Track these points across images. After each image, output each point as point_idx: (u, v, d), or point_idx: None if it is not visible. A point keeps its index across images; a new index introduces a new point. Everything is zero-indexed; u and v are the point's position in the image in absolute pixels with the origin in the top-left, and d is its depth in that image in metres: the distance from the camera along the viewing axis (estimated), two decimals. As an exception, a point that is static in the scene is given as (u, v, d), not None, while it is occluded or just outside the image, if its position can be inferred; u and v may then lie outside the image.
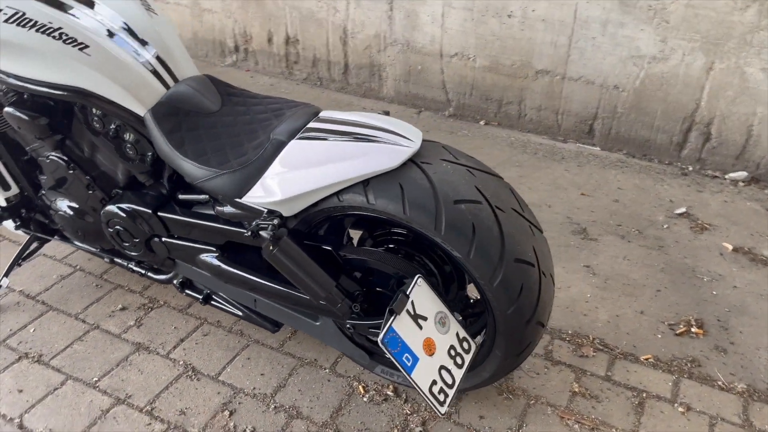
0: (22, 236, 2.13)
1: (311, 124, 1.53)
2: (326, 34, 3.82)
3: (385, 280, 1.60)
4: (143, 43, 1.69)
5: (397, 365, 1.29)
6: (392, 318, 1.33)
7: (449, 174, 1.44)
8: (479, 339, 1.64)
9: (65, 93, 1.62)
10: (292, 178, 1.47)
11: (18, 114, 1.71)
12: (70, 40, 1.58)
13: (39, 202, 2.08)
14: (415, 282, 1.39)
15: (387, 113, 1.71)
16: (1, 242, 2.45)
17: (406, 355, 1.31)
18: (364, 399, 1.81)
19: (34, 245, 2.15)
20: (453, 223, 1.38)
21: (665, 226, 2.65)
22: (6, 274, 2.10)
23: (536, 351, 1.99)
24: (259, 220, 1.48)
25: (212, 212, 1.71)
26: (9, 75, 1.63)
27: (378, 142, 1.45)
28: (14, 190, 2.07)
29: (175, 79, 1.73)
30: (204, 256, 1.77)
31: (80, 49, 1.59)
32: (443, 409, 1.34)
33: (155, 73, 1.68)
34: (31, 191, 2.07)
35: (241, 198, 1.54)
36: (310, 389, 1.83)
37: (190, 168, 1.58)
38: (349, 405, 1.79)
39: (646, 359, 1.98)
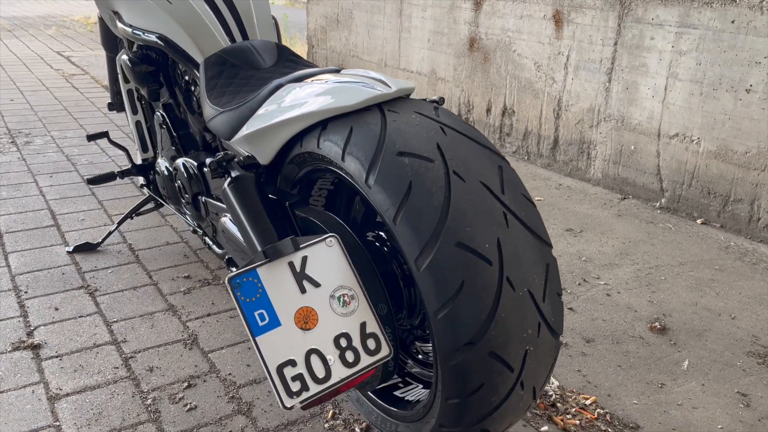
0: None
1: (319, 75, 1.38)
2: (541, 105, 3.57)
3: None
4: (230, 5, 1.76)
5: (241, 317, 0.99)
6: (261, 261, 1.04)
7: (411, 126, 1.13)
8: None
9: (150, 38, 1.76)
10: (265, 115, 1.32)
11: (127, 61, 1.92)
12: (161, -11, 1.74)
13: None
14: (323, 239, 1.08)
15: (442, 100, 1.46)
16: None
17: (261, 311, 1.00)
18: (326, 425, 1.45)
19: (150, 205, 2.34)
20: (386, 175, 1.06)
21: None
22: (119, 224, 2.31)
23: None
24: (220, 156, 1.35)
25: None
26: (125, 24, 1.86)
27: (355, 83, 1.22)
28: (150, 153, 2.31)
29: (245, 37, 1.75)
30: (223, 218, 1.68)
31: (166, -2, 1.73)
32: (289, 403, 0.97)
33: (227, 30, 1.72)
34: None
35: (232, 138, 1.44)
36: (280, 395, 1.55)
37: (206, 107, 1.55)
38: (305, 424, 1.45)
39: None
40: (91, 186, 2.62)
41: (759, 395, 1.64)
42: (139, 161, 2.31)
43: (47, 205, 2.68)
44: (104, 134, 2.36)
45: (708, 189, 2.83)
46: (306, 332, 1.02)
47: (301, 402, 0.98)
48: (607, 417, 1.53)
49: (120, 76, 2.27)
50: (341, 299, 1.06)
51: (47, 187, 2.87)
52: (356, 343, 1.04)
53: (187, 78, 1.82)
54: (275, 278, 1.03)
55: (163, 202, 2.27)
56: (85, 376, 1.59)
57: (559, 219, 2.83)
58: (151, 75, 1.92)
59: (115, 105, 2.89)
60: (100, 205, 2.70)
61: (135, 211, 2.32)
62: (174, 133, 1.96)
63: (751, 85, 2.59)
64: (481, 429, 1.11)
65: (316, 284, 1.05)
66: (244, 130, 1.36)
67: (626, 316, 2.02)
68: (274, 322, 1.00)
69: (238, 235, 1.55)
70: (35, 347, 1.70)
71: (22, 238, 2.35)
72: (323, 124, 1.21)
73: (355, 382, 1.03)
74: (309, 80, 1.35)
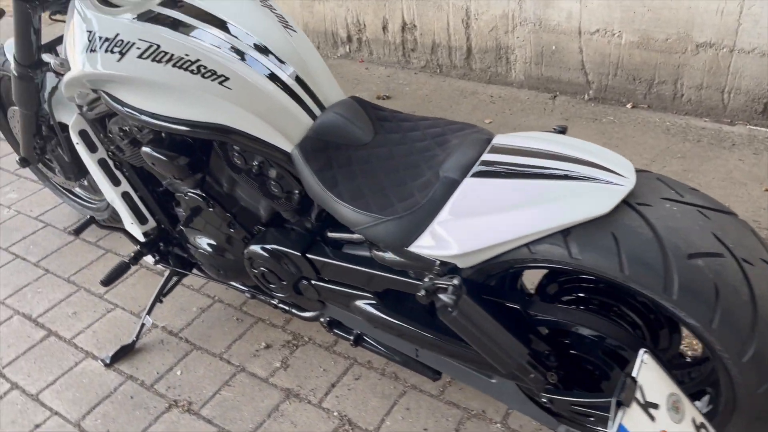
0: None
1: (486, 156, 1.28)
2: (446, 17, 3.51)
3: (580, 341, 1.33)
4: (283, 66, 1.49)
5: (629, 472, 1.03)
6: (622, 413, 1.06)
7: (677, 219, 1.14)
8: (702, 404, 1.34)
9: (206, 131, 1.45)
10: (471, 226, 1.22)
11: (156, 154, 1.57)
12: (209, 74, 1.40)
13: (177, 236, 1.97)
14: (641, 359, 1.11)
15: (564, 129, 1.41)
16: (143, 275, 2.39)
17: (638, 457, 1.05)
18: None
19: (174, 279, 2.05)
20: (689, 284, 1.09)
21: None
22: (149, 312, 2.01)
23: None
24: (437, 280, 1.24)
25: (368, 254, 1.50)
26: (143, 113, 1.48)
27: (578, 179, 1.17)
28: (151, 223, 1.97)
29: (320, 105, 1.52)
30: (359, 302, 1.57)
31: (220, 83, 1.40)
32: None
33: (299, 100, 1.47)
34: (168, 224, 1.96)
35: (408, 246, 1.32)
36: (481, 449, 1.61)
37: (346, 212, 1.37)
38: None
39: None
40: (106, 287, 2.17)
41: None
42: (140, 237, 1.97)
43: None
44: (91, 221, 1.96)
45: (633, 76, 3.11)
46: (668, 454, 1.08)
47: None
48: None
49: (82, 147, 1.85)
50: (674, 407, 1.12)
51: (-20, 281, 2.33)
52: (696, 439, 1.13)
53: (256, 163, 1.54)
54: (634, 421, 1.06)
55: (191, 273, 2.00)
56: None
57: (524, 141, 2.96)
58: (189, 165, 1.60)
59: (31, 160, 2.35)
60: (75, 286, 2.27)
61: (162, 293, 2.02)
62: (228, 213, 1.69)
63: (667, -22, 2.79)
64: None
65: (655, 406, 1.10)
66: (438, 242, 1.24)
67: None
68: (649, 460, 1.05)
69: (391, 319, 1.49)
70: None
71: (28, 361, 1.96)
72: (564, 231, 1.17)
73: (704, 469, 1.14)
74: (488, 170, 1.25)
